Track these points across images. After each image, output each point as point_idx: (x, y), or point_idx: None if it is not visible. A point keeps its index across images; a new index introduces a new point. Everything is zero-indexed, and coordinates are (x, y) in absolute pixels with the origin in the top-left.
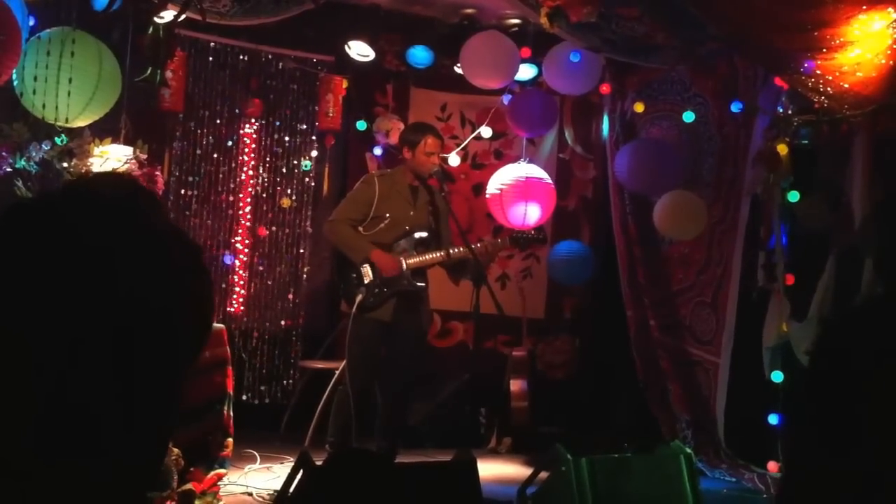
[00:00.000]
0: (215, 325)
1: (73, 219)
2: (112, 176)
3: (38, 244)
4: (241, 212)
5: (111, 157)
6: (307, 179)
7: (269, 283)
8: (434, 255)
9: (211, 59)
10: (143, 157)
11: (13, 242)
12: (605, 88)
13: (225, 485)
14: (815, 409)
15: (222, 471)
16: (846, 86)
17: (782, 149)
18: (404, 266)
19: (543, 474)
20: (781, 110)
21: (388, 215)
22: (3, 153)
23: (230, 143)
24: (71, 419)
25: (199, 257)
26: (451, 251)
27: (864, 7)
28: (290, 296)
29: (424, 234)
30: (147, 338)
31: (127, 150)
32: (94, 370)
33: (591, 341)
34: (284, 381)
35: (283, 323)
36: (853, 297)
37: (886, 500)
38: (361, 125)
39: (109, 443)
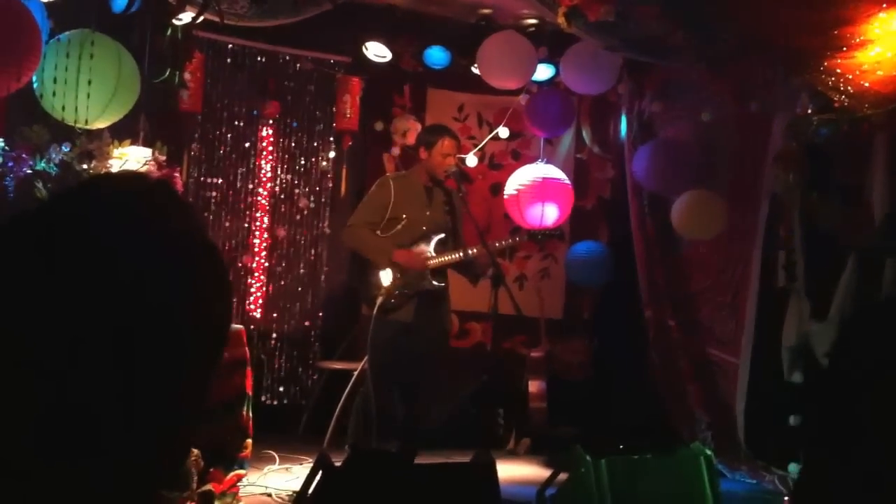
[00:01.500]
0: (234, 326)
1: (75, 218)
2: (126, 175)
3: (38, 244)
4: (259, 213)
5: (130, 158)
6: (325, 180)
7: (288, 283)
8: (453, 256)
9: (229, 60)
10: (162, 158)
11: (14, 242)
12: (622, 88)
13: (244, 486)
14: (818, 408)
15: (242, 472)
16: (866, 84)
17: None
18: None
19: (562, 476)
20: (800, 110)
21: (404, 216)
22: (24, 155)
23: (248, 145)
24: (71, 419)
25: (213, 258)
26: (469, 251)
27: (884, 5)
28: (309, 297)
29: (442, 235)
30: (148, 337)
31: (146, 152)
32: (95, 370)
33: (610, 341)
34: (303, 382)
35: (301, 324)
36: (874, 297)
37: (887, 501)
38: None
39: (110, 443)
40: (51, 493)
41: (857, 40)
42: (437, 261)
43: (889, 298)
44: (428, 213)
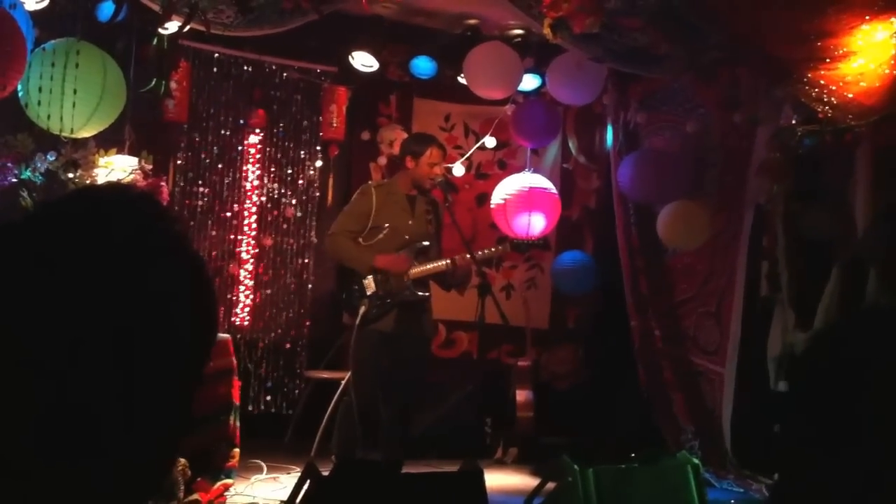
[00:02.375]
0: (221, 335)
1: (73, 220)
2: (115, 185)
3: (38, 246)
4: (245, 222)
5: (116, 167)
6: (311, 189)
7: (275, 293)
8: (437, 264)
9: (215, 69)
10: (148, 167)
11: (14, 244)
12: (607, 98)
13: (231, 495)
14: (816, 409)
15: (228, 481)
16: (849, 96)
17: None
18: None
19: (550, 485)
20: (784, 120)
21: (386, 225)
22: (9, 164)
23: (234, 154)
24: (71, 419)
25: (201, 265)
26: (455, 259)
27: (867, 17)
28: (296, 306)
29: (426, 243)
30: (147, 337)
31: (131, 161)
32: (95, 370)
33: (596, 351)
34: (290, 392)
35: (288, 333)
36: (858, 306)
37: (887, 501)
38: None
39: (110, 443)
40: (51, 493)
41: (841, 52)
42: (419, 269)
43: (882, 306)
44: (410, 222)
